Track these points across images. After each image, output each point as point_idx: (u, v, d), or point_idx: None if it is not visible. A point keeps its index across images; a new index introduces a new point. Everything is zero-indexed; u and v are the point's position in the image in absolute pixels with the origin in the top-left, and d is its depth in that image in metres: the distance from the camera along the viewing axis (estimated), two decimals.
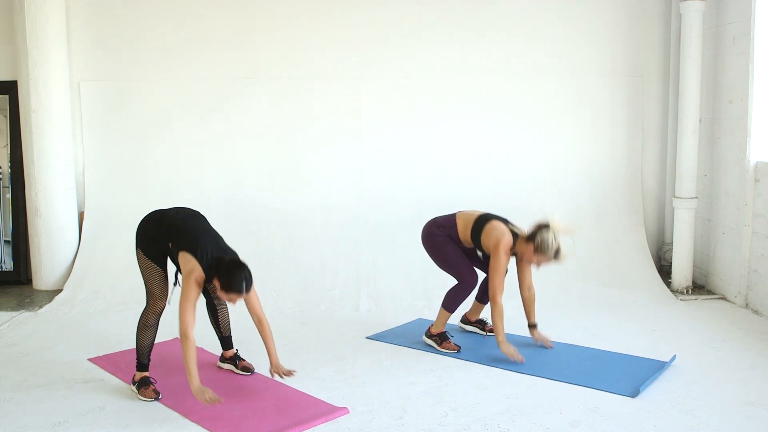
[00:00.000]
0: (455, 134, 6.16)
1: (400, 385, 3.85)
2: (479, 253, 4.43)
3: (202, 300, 4.04)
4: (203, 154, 6.13)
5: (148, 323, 3.79)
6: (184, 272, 3.58)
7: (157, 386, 3.79)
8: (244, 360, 4.10)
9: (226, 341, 4.13)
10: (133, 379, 3.80)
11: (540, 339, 4.42)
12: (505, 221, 4.31)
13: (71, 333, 4.83)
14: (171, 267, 3.83)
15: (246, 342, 4.40)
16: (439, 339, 4.42)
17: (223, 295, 3.55)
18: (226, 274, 3.50)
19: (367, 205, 6.13)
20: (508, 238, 4.17)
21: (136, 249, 3.85)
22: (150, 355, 3.82)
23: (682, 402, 3.61)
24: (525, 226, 4.27)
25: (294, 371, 3.80)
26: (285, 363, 4.18)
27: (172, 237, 3.72)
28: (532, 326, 4.45)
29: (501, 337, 4.14)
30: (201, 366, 4.15)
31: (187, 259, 3.59)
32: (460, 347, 4.38)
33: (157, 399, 3.67)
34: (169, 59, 6.07)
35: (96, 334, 4.79)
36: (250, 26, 6.05)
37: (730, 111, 5.49)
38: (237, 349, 4.15)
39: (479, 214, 4.37)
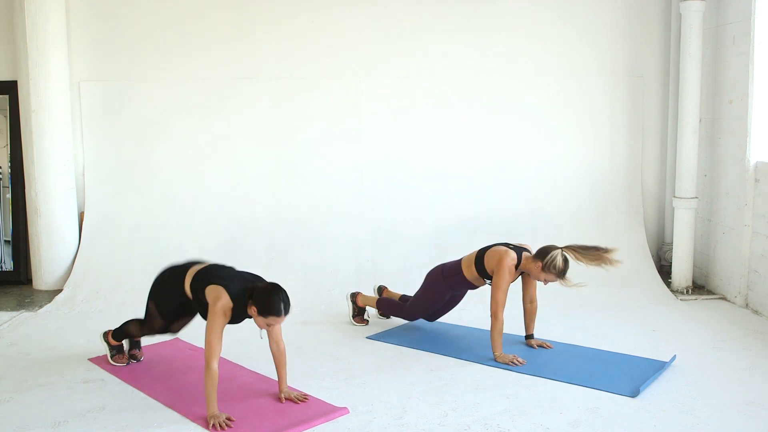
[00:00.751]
0: (455, 134, 6.16)
1: (400, 385, 3.85)
2: (488, 281, 4.37)
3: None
4: (203, 154, 6.13)
5: (141, 323, 3.99)
6: (211, 302, 3.49)
7: (157, 386, 3.79)
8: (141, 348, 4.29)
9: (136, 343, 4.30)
10: (107, 338, 4.08)
11: (537, 344, 4.44)
12: (506, 244, 4.35)
13: (71, 333, 4.83)
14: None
15: (245, 342, 4.40)
16: (357, 311, 4.91)
17: (260, 321, 3.45)
18: (263, 298, 3.41)
19: (367, 205, 6.13)
20: (511, 256, 4.21)
21: (148, 301, 3.95)
22: (130, 340, 4.11)
23: (682, 402, 3.61)
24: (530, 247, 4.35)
25: (308, 396, 3.66)
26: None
27: (197, 282, 3.66)
28: (528, 337, 4.48)
29: (498, 352, 4.18)
30: (196, 365, 4.16)
31: (213, 289, 3.52)
32: (368, 321, 4.91)
33: (127, 365, 4.05)
34: (169, 59, 6.07)
35: (96, 334, 4.78)
36: (250, 26, 6.05)
37: (730, 111, 5.49)
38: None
39: (479, 249, 4.43)
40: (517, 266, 4.22)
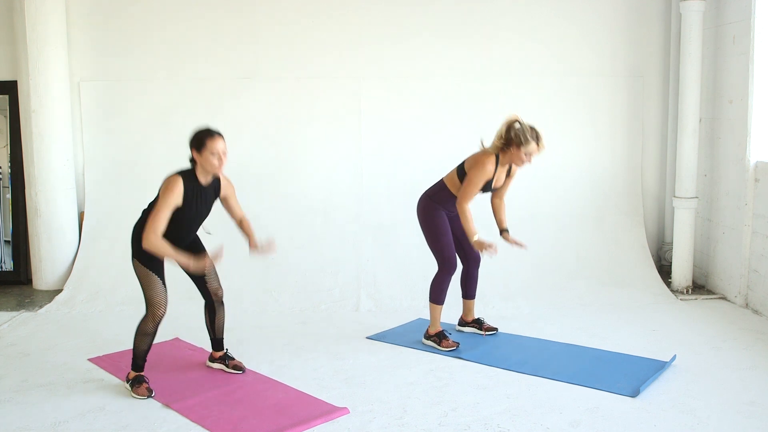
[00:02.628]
0: (455, 134, 6.15)
1: (400, 385, 3.85)
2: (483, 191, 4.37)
3: (200, 301, 4.05)
4: None
5: (147, 331, 3.75)
6: (161, 191, 3.62)
7: (157, 386, 3.79)
8: (234, 359, 4.09)
9: (218, 343, 4.10)
10: (127, 377, 3.81)
11: (513, 242, 4.44)
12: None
13: (71, 333, 4.83)
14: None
15: (245, 342, 4.41)
16: (438, 338, 4.43)
17: (206, 159, 3.56)
18: (193, 138, 3.60)
19: (367, 205, 6.13)
20: (490, 156, 4.26)
21: (132, 259, 3.81)
22: (146, 358, 3.81)
23: (682, 402, 3.61)
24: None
25: (274, 246, 3.87)
26: (285, 363, 4.19)
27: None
28: (503, 231, 4.50)
29: (473, 237, 4.21)
30: (196, 365, 4.16)
31: (162, 184, 3.64)
32: (459, 343, 4.40)
33: (150, 396, 3.68)
34: (169, 59, 6.07)
35: (96, 334, 4.79)
36: (250, 26, 6.05)
37: (730, 111, 5.49)
38: (227, 349, 4.13)
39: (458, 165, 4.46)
40: (496, 164, 4.24)
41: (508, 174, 4.45)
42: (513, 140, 4.18)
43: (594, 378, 3.91)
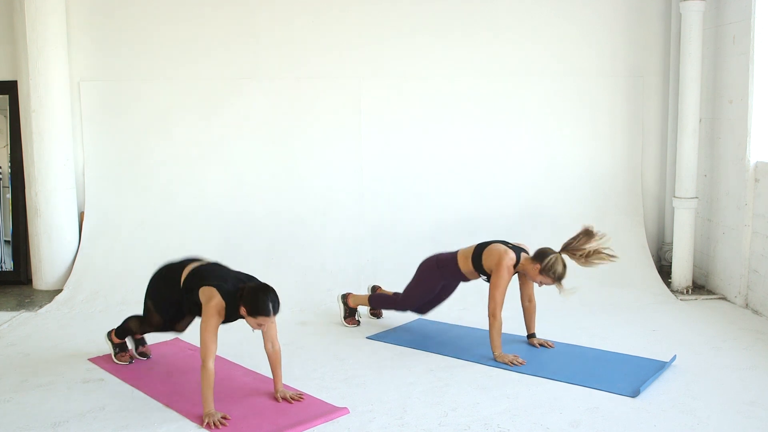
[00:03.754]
0: (455, 134, 6.16)
1: (400, 385, 3.85)
2: (483, 277, 4.38)
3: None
4: (203, 154, 6.13)
5: (140, 320, 4.00)
6: (204, 302, 3.52)
7: (157, 386, 3.79)
8: (146, 345, 4.29)
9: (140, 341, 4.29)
10: (110, 336, 4.08)
11: (539, 343, 4.43)
12: (504, 242, 4.35)
13: (71, 333, 4.83)
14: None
15: (246, 342, 4.40)
16: (349, 312, 4.88)
17: (251, 321, 3.48)
18: (252, 298, 3.44)
19: (367, 205, 6.12)
20: (510, 256, 4.21)
21: (146, 299, 3.92)
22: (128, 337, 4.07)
23: (682, 402, 3.61)
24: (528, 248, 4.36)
25: (303, 396, 3.68)
26: (285, 363, 4.19)
27: (191, 281, 3.70)
28: (530, 336, 4.48)
29: (498, 352, 4.18)
30: (196, 365, 4.16)
31: (206, 290, 3.55)
32: (359, 322, 4.87)
33: (130, 363, 3.97)
34: (169, 59, 6.07)
35: (96, 334, 4.78)
36: (250, 26, 6.05)
37: (730, 111, 5.49)
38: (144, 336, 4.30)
39: (477, 243, 4.43)
40: (515, 266, 4.23)
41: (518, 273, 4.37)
42: (540, 264, 4.13)
43: (594, 378, 3.91)
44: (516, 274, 4.34)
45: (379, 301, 4.84)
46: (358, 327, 4.87)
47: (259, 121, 6.12)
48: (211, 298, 3.50)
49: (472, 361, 4.20)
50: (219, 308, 3.50)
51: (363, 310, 5.07)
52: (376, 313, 5.05)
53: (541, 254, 4.15)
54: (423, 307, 4.70)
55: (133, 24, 6.04)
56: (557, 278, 4.10)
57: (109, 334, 4.22)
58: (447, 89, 6.16)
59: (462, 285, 4.69)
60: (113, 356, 4.16)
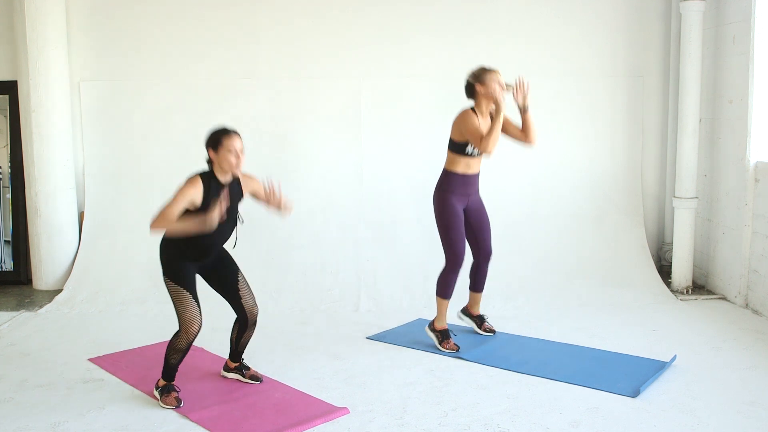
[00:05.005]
0: None
1: (400, 385, 3.85)
2: (471, 150, 4.33)
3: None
4: (203, 154, 6.11)
5: (179, 347, 3.61)
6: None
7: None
8: (250, 368, 3.96)
9: (236, 355, 3.96)
10: (157, 384, 3.72)
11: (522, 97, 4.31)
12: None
13: (71, 333, 4.83)
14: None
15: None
16: (441, 336, 4.43)
17: (223, 157, 3.53)
18: (208, 138, 3.60)
19: (367, 205, 6.12)
20: (466, 109, 4.31)
21: (163, 278, 3.65)
22: (177, 368, 3.70)
23: (682, 402, 3.61)
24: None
25: (290, 206, 3.79)
26: (285, 363, 4.19)
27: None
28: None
29: (500, 115, 4.16)
30: (196, 366, 4.15)
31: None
32: (459, 347, 4.38)
33: (178, 407, 3.58)
34: (169, 59, 6.07)
35: (96, 334, 4.80)
36: (250, 26, 6.05)
37: (730, 111, 5.49)
38: (243, 359, 4.00)
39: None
40: (473, 109, 4.29)
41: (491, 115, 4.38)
42: (474, 85, 4.30)
43: (594, 378, 3.91)
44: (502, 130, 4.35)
45: (440, 285, 4.47)
46: (449, 350, 4.43)
47: (259, 121, 6.12)
48: (186, 180, 3.54)
49: (472, 361, 4.21)
50: (194, 184, 3.49)
51: (451, 315, 4.76)
52: (467, 309, 4.78)
53: (468, 84, 4.35)
54: (463, 253, 4.42)
55: (133, 24, 6.04)
56: (487, 69, 4.27)
57: (157, 385, 3.76)
58: (447, 89, 6.14)
59: (462, 283, 4.69)
60: (159, 401, 3.66)
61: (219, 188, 3.57)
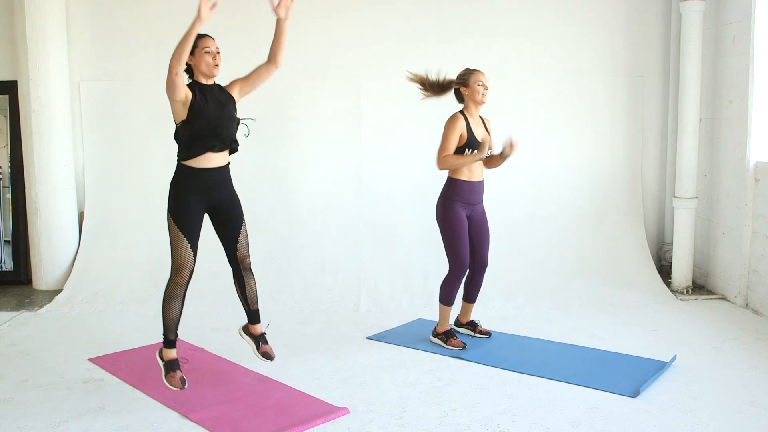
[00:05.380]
0: None
1: (400, 385, 3.85)
2: (468, 153, 4.37)
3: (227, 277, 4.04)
4: None
5: (172, 294, 3.64)
6: None
7: (156, 386, 3.78)
8: (268, 344, 3.90)
9: (253, 315, 3.91)
10: (159, 352, 3.72)
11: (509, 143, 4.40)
12: None
13: (71, 333, 4.83)
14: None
15: (246, 342, 4.39)
16: (445, 337, 4.46)
17: (200, 58, 3.71)
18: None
19: (367, 205, 6.12)
20: (454, 115, 4.40)
21: (167, 215, 3.74)
22: (177, 330, 3.71)
23: (682, 402, 3.61)
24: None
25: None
26: (285, 363, 4.19)
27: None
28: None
29: (471, 158, 4.29)
30: (196, 365, 4.15)
31: None
32: (465, 344, 4.41)
33: (182, 388, 3.60)
34: (169, 59, 6.05)
35: (96, 334, 4.79)
36: (249, 26, 6.05)
37: (730, 111, 5.49)
38: (265, 332, 3.95)
39: None
40: (466, 119, 4.36)
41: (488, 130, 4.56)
42: (458, 86, 4.39)
43: (594, 378, 3.91)
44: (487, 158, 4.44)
45: (443, 292, 4.48)
46: (454, 346, 4.45)
47: (259, 120, 6.10)
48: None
49: (472, 361, 4.21)
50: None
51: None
52: (458, 321, 4.76)
53: (455, 90, 4.46)
54: (467, 261, 4.44)
55: (133, 24, 6.04)
56: (470, 71, 4.40)
57: (159, 354, 3.77)
58: None
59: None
60: (164, 377, 3.68)
61: (204, 88, 3.71)
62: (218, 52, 3.71)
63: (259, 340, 3.92)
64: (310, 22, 6.05)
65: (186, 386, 3.63)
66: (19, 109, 5.95)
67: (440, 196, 4.49)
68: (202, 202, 3.72)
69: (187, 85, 3.70)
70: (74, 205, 6.05)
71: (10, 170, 6.08)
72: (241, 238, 3.85)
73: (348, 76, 6.10)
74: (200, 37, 3.72)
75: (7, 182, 6.10)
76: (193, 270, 3.68)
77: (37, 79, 5.74)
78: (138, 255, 5.88)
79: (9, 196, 6.09)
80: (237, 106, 3.85)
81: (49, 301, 5.52)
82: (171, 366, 3.69)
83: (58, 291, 5.74)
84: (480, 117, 4.52)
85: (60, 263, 5.93)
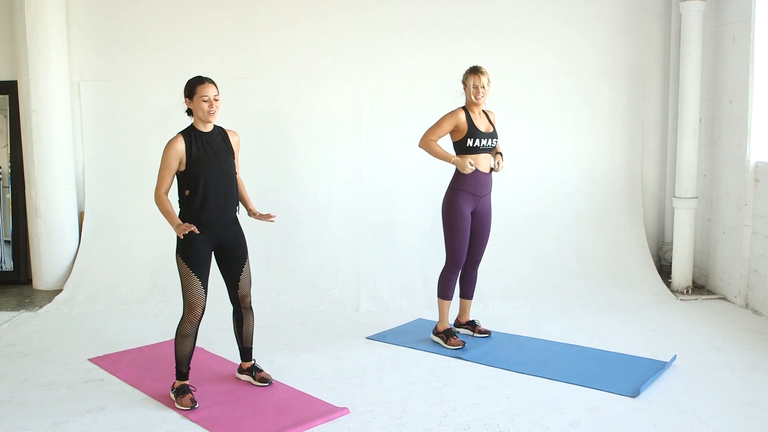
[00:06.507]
0: None
1: (400, 385, 3.85)
2: (472, 143, 4.43)
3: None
4: None
5: (185, 332, 3.63)
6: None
7: (157, 386, 3.79)
8: (261, 370, 3.95)
9: (246, 352, 3.97)
10: (173, 386, 3.70)
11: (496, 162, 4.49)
12: None
13: (71, 333, 4.83)
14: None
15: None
16: (445, 336, 4.47)
17: (198, 105, 3.60)
18: (185, 89, 3.64)
19: (367, 205, 6.12)
20: (456, 109, 4.49)
21: (176, 255, 3.68)
22: (189, 364, 3.70)
23: (682, 402, 3.61)
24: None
25: (273, 216, 3.83)
26: (285, 363, 4.20)
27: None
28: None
29: (451, 159, 4.37)
30: (196, 365, 4.15)
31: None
32: (465, 342, 4.43)
33: (193, 408, 3.57)
34: (169, 59, 6.07)
35: (96, 334, 4.80)
36: (250, 26, 6.05)
37: (730, 111, 5.49)
38: (254, 360, 4.00)
39: None
40: (467, 113, 4.43)
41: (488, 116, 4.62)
42: (463, 85, 4.51)
43: (594, 378, 3.91)
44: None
45: (441, 286, 4.52)
46: (452, 345, 4.45)
47: (259, 121, 6.12)
48: (165, 146, 3.63)
49: (472, 361, 4.21)
50: (175, 143, 3.59)
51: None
52: (458, 321, 4.77)
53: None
54: (463, 257, 4.48)
55: (133, 24, 6.04)
56: (471, 70, 4.47)
57: (172, 387, 3.73)
58: (447, 89, 6.14)
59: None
60: (175, 402, 3.64)
61: (203, 139, 3.66)
62: (216, 99, 3.65)
63: (253, 370, 3.95)
64: (309, 22, 6.05)
65: (197, 406, 3.59)
66: (19, 109, 5.95)
67: (448, 187, 4.52)
68: (209, 240, 3.70)
69: (182, 134, 3.66)
70: (74, 205, 6.05)
71: (10, 170, 6.08)
72: (243, 276, 3.83)
73: (348, 76, 6.10)
74: (200, 82, 3.65)
75: (7, 182, 6.10)
76: (205, 307, 3.67)
77: (37, 79, 5.74)
78: (138, 255, 5.88)
79: (9, 196, 6.09)
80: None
81: (49, 301, 5.52)
82: (182, 390, 3.66)
83: (58, 291, 5.74)
84: (483, 111, 4.57)
85: (60, 263, 5.93)
